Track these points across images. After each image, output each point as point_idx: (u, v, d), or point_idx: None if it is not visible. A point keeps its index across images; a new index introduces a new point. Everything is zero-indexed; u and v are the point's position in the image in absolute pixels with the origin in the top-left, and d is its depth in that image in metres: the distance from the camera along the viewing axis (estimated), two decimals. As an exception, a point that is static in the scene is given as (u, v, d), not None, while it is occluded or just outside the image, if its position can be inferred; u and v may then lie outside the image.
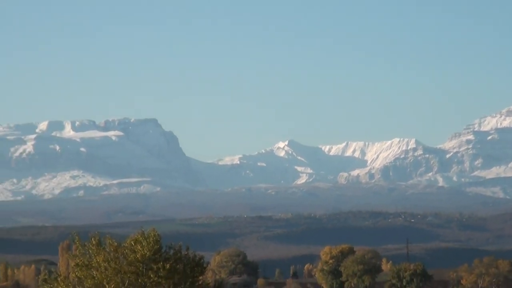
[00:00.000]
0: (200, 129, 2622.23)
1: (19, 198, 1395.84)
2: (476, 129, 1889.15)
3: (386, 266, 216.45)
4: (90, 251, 59.39)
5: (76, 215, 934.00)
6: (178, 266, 59.44)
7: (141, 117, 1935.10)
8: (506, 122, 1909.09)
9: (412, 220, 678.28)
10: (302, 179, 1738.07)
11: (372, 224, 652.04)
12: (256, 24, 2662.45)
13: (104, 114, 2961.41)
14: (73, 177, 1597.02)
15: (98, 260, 58.52)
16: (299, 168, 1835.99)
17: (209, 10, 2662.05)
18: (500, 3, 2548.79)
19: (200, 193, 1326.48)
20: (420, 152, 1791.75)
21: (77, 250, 60.66)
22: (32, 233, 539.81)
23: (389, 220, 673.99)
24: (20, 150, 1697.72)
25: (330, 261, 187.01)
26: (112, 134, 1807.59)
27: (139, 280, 58.33)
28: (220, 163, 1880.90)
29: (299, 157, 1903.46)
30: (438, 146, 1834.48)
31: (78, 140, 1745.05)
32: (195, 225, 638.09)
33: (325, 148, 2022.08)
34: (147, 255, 58.29)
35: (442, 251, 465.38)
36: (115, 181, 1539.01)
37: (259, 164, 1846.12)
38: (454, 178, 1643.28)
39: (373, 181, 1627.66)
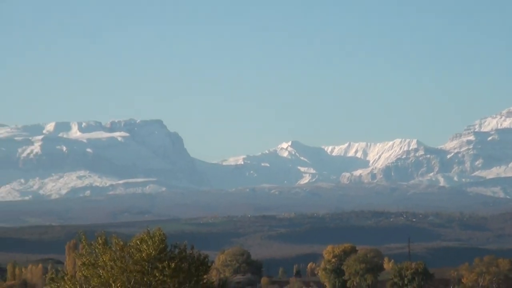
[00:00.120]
0: (204, 130, 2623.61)
1: (26, 198, 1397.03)
2: (476, 130, 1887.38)
3: (388, 265, 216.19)
4: (97, 250, 59.42)
5: (83, 214, 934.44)
6: (183, 265, 59.45)
7: (147, 118, 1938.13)
8: (506, 123, 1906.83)
9: (414, 220, 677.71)
10: (305, 179, 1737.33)
11: (374, 223, 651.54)
12: (259, 25, 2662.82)
13: (110, 115, 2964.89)
14: (79, 178, 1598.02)
15: (104, 259, 58.55)
16: (302, 169, 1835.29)
17: (211, 11, 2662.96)
18: (501, 4, 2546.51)
19: (205, 193, 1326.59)
20: (421, 152, 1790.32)
21: (84, 249, 60.68)
22: (40, 232, 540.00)
23: (391, 220, 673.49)
24: (28, 150, 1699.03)
25: (333, 260, 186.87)
26: (118, 135, 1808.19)
27: (145, 279, 58.35)
28: (224, 163, 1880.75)
29: (302, 158, 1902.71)
30: (439, 147, 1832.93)
31: (84, 141, 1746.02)
32: (199, 225, 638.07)
33: (328, 149, 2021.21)
34: (152, 254, 58.30)
35: (443, 250, 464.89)
36: (121, 181, 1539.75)
37: (262, 164, 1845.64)
38: (455, 178, 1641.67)
39: (375, 181, 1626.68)
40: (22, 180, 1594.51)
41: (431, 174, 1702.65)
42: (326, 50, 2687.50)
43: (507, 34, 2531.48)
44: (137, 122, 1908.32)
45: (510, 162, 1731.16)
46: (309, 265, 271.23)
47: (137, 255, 58.36)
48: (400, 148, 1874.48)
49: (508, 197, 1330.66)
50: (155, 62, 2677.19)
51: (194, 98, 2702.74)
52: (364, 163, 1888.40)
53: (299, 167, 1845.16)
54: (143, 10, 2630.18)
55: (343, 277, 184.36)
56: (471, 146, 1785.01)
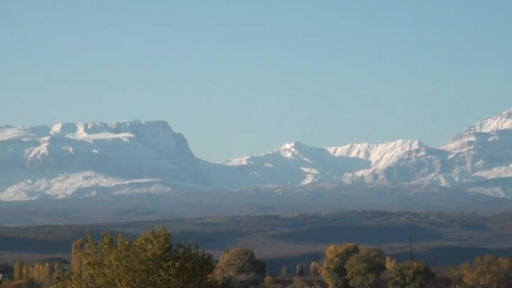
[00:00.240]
0: (209, 131, 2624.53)
1: (33, 198, 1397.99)
2: (477, 131, 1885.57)
3: (389, 264, 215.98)
4: (102, 250, 59.43)
5: (89, 214, 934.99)
6: (187, 264, 59.44)
7: (152, 119, 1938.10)
8: (506, 124, 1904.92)
9: (415, 220, 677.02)
10: (308, 180, 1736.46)
11: (376, 223, 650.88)
12: (261, 26, 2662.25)
13: (116, 117, 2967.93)
14: (85, 178, 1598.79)
15: (110, 259, 58.56)
16: (305, 169, 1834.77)
17: (215, 12, 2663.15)
18: (502, 6, 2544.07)
19: (209, 193, 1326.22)
20: (422, 153, 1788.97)
21: (90, 249, 60.70)
22: (46, 232, 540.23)
23: (393, 220, 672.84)
24: (35, 151, 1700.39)
25: (335, 259, 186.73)
26: (124, 136, 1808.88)
27: (150, 278, 58.35)
28: (228, 164, 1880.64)
29: (305, 158, 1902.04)
30: (441, 147, 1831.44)
31: (90, 142, 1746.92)
32: (204, 225, 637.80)
33: (330, 150, 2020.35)
34: (157, 254, 58.31)
35: (444, 249, 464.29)
36: (126, 182, 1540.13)
37: (266, 165, 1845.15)
38: (456, 179, 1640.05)
39: (377, 181, 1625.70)
40: (29, 181, 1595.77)
41: (432, 174, 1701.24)
42: (328, 51, 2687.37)
43: (508, 36, 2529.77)
44: (142, 123, 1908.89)
45: (510, 163, 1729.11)
46: (312, 264, 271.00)
47: (142, 254, 58.38)
48: (402, 149, 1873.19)
49: (508, 197, 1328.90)
50: (160, 64, 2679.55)
51: (199, 100, 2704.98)
52: (366, 164, 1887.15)
53: (302, 168, 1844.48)
54: (148, 11, 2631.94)
55: (345, 276, 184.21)
56: (472, 147, 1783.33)
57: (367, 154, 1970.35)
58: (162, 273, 58.19)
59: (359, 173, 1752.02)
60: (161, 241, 58.62)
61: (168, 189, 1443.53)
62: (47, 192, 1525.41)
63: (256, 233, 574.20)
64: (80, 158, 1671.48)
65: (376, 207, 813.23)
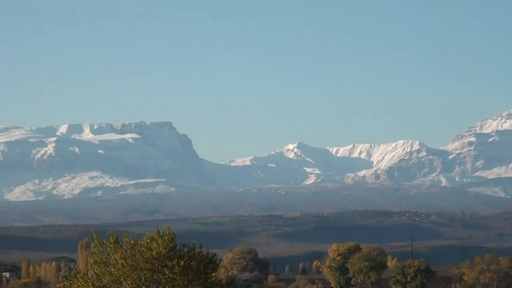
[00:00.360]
0: (213, 132, 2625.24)
1: (40, 198, 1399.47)
2: (477, 131, 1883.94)
3: (391, 263, 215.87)
4: (108, 249, 59.48)
5: (95, 214, 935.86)
6: (192, 263, 59.47)
7: (157, 120, 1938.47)
8: (506, 125, 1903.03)
9: (416, 219, 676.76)
10: (311, 180, 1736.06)
11: (377, 222, 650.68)
12: (264, 27, 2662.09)
13: (121, 118, 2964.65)
14: (91, 178, 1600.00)
15: (115, 258, 58.62)
16: (307, 169, 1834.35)
17: (219, 13, 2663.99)
18: (502, 7, 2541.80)
19: (213, 193, 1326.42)
20: (424, 153, 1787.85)
21: (96, 248, 60.75)
22: (53, 231, 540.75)
23: (394, 219, 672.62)
24: (42, 152, 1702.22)
25: (338, 258, 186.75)
26: (129, 136, 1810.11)
27: (155, 277, 58.41)
28: (232, 164, 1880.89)
29: (307, 159, 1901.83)
30: (441, 148, 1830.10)
31: (96, 142, 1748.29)
32: (208, 224, 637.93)
33: (333, 150, 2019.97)
34: (162, 253, 58.36)
35: (445, 248, 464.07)
36: (131, 182, 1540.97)
37: (269, 165, 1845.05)
38: (457, 179, 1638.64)
39: (378, 181, 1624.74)
40: (36, 181, 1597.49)
41: (433, 174, 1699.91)
42: (330, 52, 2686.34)
43: (508, 38, 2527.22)
44: (147, 124, 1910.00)
45: (510, 163, 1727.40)
46: (314, 263, 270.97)
47: (147, 253, 58.43)
48: (403, 149, 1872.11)
49: (508, 196, 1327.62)
50: (165, 66, 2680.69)
51: (203, 101, 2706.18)
52: (368, 164, 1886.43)
53: (304, 168, 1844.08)
54: (152, 13, 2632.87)
55: (347, 275, 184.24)
56: (472, 147, 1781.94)
57: (369, 154, 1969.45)
58: (167, 272, 58.25)
59: (361, 173, 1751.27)
60: (166, 240, 58.67)
61: (173, 189, 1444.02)
62: (54, 192, 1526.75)
63: (259, 232, 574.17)
64: (86, 158, 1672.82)
65: (377, 207, 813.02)
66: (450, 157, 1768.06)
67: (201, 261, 60.35)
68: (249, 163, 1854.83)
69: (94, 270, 59.50)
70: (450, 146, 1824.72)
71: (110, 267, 58.63)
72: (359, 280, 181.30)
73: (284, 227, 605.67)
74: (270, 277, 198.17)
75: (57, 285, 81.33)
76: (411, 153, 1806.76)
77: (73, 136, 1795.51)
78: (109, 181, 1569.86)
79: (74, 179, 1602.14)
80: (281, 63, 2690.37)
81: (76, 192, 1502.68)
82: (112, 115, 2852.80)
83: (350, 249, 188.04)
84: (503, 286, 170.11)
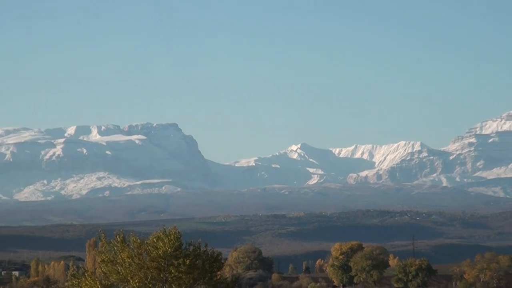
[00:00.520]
0: (218, 133, 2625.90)
1: (49, 198, 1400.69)
2: (477, 133, 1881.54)
3: (393, 261, 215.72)
4: (115, 248, 59.51)
5: (102, 214, 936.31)
6: (197, 261, 59.48)
7: (163, 122, 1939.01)
8: (506, 126, 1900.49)
9: (418, 218, 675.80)
10: (314, 180, 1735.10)
11: (379, 222, 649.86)
12: (268, 29, 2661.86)
13: (128, 119, 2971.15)
14: (99, 178, 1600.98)
15: (122, 256, 58.64)
16: (311, 170, 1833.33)
17: (222, 17, 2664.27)
18: (503, 9, 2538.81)
19: (218, 193, 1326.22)
20: (425, 154, 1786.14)
21: (103, 247, 60.79)
22: (61, 231, 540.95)
23: (396, 218, 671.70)
24: (50, 153, 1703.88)
25: (340, 257, 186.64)
26: (136, 138, 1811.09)
27: (161, 275, 58.42)
28: (236, 165, 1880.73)
29: (311, 159, 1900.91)
30: (442, 149, 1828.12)
31: (104, 143, 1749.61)
32: (213, 223, 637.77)
33: (335, 151, 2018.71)
34: (168, 252, 58.37)
35: (446, 247, 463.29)
36: (138, 182, 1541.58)
37: (273, 166, 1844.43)
38: (457, 179, 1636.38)
39: (380, 181, 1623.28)
40: (45, 181, 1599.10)
41: (434, 174, 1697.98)
42: (333, 55, 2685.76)
43: (508, 40, 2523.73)
44: (154, 125, 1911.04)
45: (510, 163, 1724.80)
46: (317, 261, 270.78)
47: (153, 252, 58.46)
48: (405, 150, 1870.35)
49: (508, 196, 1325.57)
50: (171, 69, 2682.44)
51: (208, 103, 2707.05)
52: (370, 165, 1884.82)
53: (308, 168, 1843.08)
54: (158, 16, 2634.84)
55: (350, 273, 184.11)
56: (472, 148, 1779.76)
57: (371, 155, 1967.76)
58: (173, 270, 58.26)
59: (363, 173, 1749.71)
60: (172, 240, 58.69)
61: (179, 189, 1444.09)
62: (62, 192, 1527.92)
63: (263, 231, 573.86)
64: (93, 159, 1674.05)
65: (379, 207, 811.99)
66: (451, 157, 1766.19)
67: (206, 260, 60.36)
68: (253, 164, 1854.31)
69: (101, 268, 59.55)
70: (451, 147, 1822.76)
71: (117, 265, 58.67)
72: (361, 279, 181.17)
73: (287, 226, 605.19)
74: (274, 276, 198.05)
75: (66, 284, 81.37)
76: (412, 153, 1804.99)
77: (81, 138, 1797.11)
78: (116, 182, 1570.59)
79: (82, 180, 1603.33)
80: (284, 64, 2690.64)
81: (84, 192, 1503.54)
82: (119, 117, 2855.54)
83: (352, 248, 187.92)
84: (503, 284, 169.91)
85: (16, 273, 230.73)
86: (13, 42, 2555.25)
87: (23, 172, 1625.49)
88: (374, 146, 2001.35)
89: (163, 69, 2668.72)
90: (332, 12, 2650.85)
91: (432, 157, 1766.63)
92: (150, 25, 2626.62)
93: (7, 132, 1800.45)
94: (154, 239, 59.05)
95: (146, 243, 59.29)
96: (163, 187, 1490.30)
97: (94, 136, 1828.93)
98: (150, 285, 58.30)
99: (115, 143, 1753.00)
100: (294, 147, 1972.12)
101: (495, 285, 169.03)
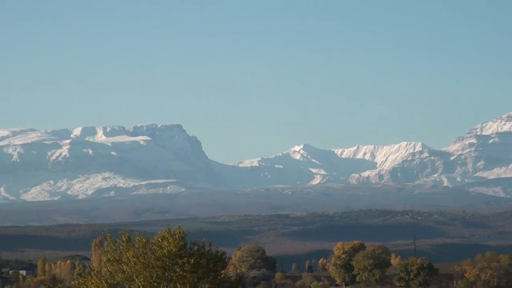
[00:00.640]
0: (221, 134, 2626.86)
1: (55, 198, 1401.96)
2: (478, 133, 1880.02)
3: (394, 260, 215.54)
4: (121, 247, 59.54)
5: (108, 213, 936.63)
6: (201, 261, 59.49)
7: (167, 123, 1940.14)
8: (506, 127, 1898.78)
9: (419, 218, 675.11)
10: (316, 180, 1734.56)
11: (381, 221, 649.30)
12: (271, 30, 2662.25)
13: (133, 121, 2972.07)
14: (104, 179, 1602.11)
15: (128, 256, 58.67)
16: (313, 170, 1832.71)
17: (226, 17, 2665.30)
18: (503, 10, 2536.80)
19: (222, 193, 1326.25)
20: (426, 154, 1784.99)
21: (109, 246, 60.83)
22: (68, 230, 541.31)
23: (397, 218, 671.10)
24: (57, 154, 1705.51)
25: (343, 256, 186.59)
26: (141, 139, 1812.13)
27: (166, 274, 58.44)
28: (240, 165, 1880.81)
29: (313, 160, 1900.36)
30: (443, 149, 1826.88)
31: (109, 144, 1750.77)
32: (217, 223, 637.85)
33: (338, 151, 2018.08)
34: (173, 251, 58.39)
35: (447, 246, 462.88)
36: (143, 182, 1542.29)
37: (276, 166, 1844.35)
38: (458, 179, 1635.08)
39: (382, 181, 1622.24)
40: (52, 182, 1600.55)
41: (435, 175, 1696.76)
42: (335, 56, 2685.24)
43: (508, 41, 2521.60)
44: (158, 126, 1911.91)
45: (510, 164, 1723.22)
46: (320, 261, 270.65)
47: (158, 251, 58.47)
48: (406, 151, 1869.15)
49: (508, 196, 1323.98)
50: (176, 71, 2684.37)
51: (212, 104, 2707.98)
52: (372, 165, 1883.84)
53: (310, 169, 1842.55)
54: (163, 18, 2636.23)
55: (352, 272, 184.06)
56: (473, 149, 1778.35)
57: (373, 155, 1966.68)
58: (177, 269, 58.28)
59: (365, 173, 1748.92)
60: (176, 239, 58.71)
61: (183, 189, 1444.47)
62: (68, 192, 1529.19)
63: (267, 231, 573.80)
64: (99, 160, 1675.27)
65: (381, 206, 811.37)
66: (452, 158, 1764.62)
67: (210, 259, 60.37)
68: (257, 164, 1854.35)
69: (107, 267, 59.58)
70: (452, 148, 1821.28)
71: (122, 265, 58.70)
72: (363, 277, 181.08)
73: (290, 226, 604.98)
74: (278, 275, 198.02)
75: (72, 283, 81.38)
76: (413, 154, 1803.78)
77: (87, 139, 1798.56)
78: (122, 182, 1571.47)
79: (88, 180, 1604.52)
80: (286, 65, 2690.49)
81: (90, 192, 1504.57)
82: (124, 118, 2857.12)
83: (354, 247, 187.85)
84: (503, 283, 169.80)
85: (23, 272, 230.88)
86: (18, 43, 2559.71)
87: (30, 172, 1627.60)
88: (376, 146, 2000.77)
89: (167, 71, 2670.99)
90: (332, 12, 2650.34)
91: (433, 158, 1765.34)
92: (155, 26, 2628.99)
93: (14, 133, 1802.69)
94: (159, 239, 59.07)
95: (151, 242, 59.31)
96: (168, 187, 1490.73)
97: (100, 137, 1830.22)
98: (155, 284, 58.32)
99: (121, 144, 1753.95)
100: (297, 148, 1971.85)
101: (495, 283, 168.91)
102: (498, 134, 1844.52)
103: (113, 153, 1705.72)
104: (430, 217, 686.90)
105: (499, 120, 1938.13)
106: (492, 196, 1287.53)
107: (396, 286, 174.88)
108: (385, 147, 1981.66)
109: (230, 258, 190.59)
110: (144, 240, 59.30)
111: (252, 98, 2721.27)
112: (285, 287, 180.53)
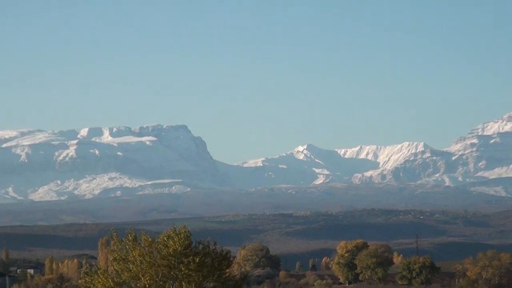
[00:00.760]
0: (226, 135, 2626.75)
1: (62, 198, 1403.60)
2: (479, 133, 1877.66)
3: (397, 259, 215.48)
4: (127, 246, 59.59)
5: (114, 213, 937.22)
6: (206, 259, 59.52)
7: (173, 123, 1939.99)
8: (507, 127, 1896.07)
9: (421, 217, 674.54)
10: (320, 180, 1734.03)
11: (384, 220, 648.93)
12: (274, 31, 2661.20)
13: (139, 121, 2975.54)
14: (111, 179, 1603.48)
15: (134, 255, 58.73)
16: (317, 170, 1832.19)
17: (228, 18, 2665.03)
18: (504, 11, 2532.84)
19: (227, 193, 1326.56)
20: (428, 154, 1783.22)
21: (115, 246, 60.88)
22: (75, 230, 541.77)
23: (400, 217, 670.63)
24: (64, 154, 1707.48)
25: (346, 254, 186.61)
26: (146, 139, 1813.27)
27: (171, 273, 58.49)
28: (244, 165, 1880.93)
29: (317, 160, 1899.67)
30: (445, 149, 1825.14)
31: (115, 145, 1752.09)
32: (222, 222, 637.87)
33: (341, 151, 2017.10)
34: (178, 250, 58.43)
35: (449, 245, 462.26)
36: (149, 182, 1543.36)
37: (280, 166, 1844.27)
38: (460, 179, 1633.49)
39: (385, 181, 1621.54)
40: (59, 182, 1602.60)
41: (437, 174, 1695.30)
42: (337, 57, 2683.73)
43: (509, 41, 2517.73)
44: (164, 127, 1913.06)
45: (511, 163, 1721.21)
46: (323, 259, 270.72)
47: (164, 250, 58.52)
48: (408, 151, 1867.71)
49: (509, 195, 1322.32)
50: (180, 72, 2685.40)
51: (217, 105, 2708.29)
52: (374, 165, 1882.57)
53: (314, 169, 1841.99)
54: (166, 18, 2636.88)
55: (355, 271, 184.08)
56: (474, 149, 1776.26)
57: (376, 155, 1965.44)
58: (183, 268, 58.32)
59: (368, 173, 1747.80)
60: (182, 238, 58.74)
61: (188, 189, 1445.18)
62: (75, 192, 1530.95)
63: (271, 230, 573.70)
64: (105, 160, 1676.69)
65: (384, 206, 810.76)
66: (453, 158, 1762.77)
67: (215, 258, 60.40)
68: (261, 164, 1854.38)
69: (113, 266, 59.65)
70: (453, 148, 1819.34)
71: (129, 263, 58.77)
72: (366, 276, 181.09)
73: (294, 225, 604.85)
74: (282, 273, 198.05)
75: (79, 281, 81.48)
76: (415, 154, 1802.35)
77: (93, 139, 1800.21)
78: (128, 182, 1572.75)
79: (95, 180, 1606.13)
80: (289, 66, 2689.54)
81: (96, 192, 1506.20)
82: (130, 119, 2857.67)
83: (357, 246, 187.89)
84: (504, 281, 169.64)
85: (31, 271, 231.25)
86: (26, 45, 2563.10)
87: (37, 173, 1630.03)
88: (379, 147, 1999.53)
89: (172, 72, 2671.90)
90: (335, 11, 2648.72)
91: (435, 158, 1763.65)
92: (158, 27, 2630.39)
93: (22, 134, 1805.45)
94: (165, 238, 59.12)
95: (157, 241, 59.36)
96: (173, 187, 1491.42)
97: (106, 137, 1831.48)
98: (161, 283, 58.39)
99: (127, 145, 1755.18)
100: (300, 148, 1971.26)
101: (496, 282, 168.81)
102: (499, 134, 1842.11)
103: (119, 153, 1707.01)
104: (432, 216, 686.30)
105: (500, 121, 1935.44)
106: (493, 196, 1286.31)
107: (399, 284, 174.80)
108: (387, 147, 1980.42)
109: (234, 257, 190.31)
110: (150, 239, 59.35)
111: (256, 99, 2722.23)
112: (289, 286, 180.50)
